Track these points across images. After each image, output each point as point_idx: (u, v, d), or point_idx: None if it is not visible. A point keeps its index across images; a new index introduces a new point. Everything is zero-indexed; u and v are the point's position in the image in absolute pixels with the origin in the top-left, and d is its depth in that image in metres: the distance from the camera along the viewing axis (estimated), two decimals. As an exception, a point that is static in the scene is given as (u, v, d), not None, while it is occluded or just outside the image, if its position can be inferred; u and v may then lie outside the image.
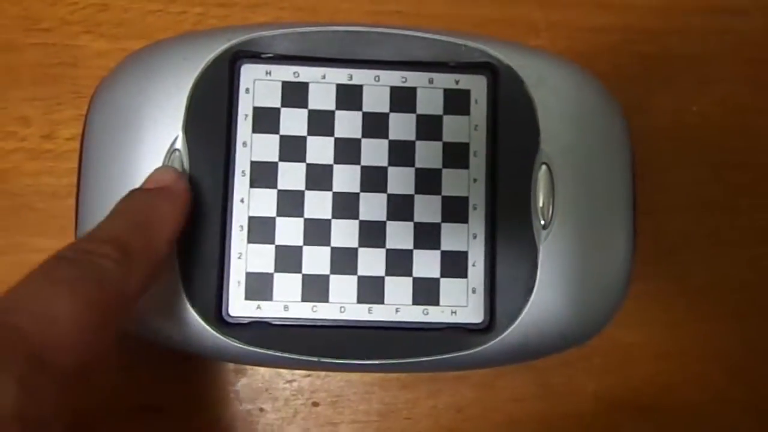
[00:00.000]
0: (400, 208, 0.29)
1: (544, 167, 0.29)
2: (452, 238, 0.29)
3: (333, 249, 0.29)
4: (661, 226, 0.35)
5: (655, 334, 0.34)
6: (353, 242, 0.29)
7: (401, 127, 0.30)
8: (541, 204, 0.29)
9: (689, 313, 0.34)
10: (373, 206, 0.29)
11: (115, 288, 0.23)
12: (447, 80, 0.30)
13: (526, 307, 0.28)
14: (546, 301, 0.29)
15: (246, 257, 0.29)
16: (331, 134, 0.29)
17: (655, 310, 0.34)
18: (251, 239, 0.29)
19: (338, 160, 0.29)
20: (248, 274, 0.29)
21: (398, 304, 0.29)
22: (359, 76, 0.30)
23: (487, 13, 0.35)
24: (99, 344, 0.22)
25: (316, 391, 0.33)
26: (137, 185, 0.27)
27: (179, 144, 0.28)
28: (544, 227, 0.29)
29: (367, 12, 0.35)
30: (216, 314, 0.28)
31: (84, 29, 0.34)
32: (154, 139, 0.28)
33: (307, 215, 0.29)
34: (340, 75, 0.30)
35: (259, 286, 0.29)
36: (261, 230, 0.29)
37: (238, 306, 0.29)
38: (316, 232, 0.29)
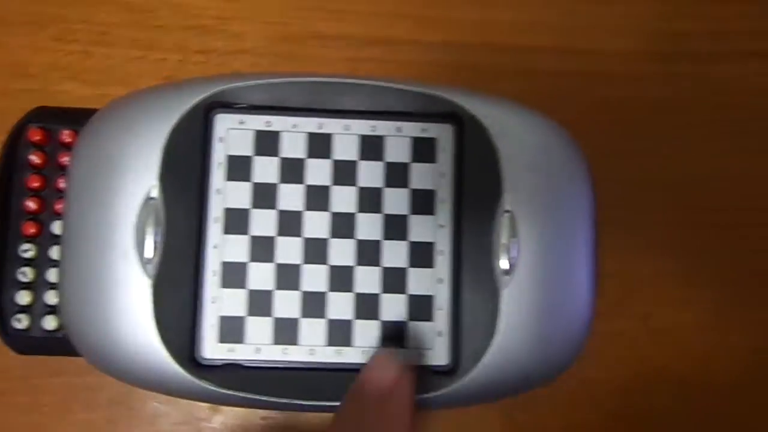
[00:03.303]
0: (369, 254, 0.30)
1: (507, 214, 0.30)
2: (419, 282, 0.30)
3: (303, 293, 0.30)
4: (626, 266, 0.36)
5: (620, 371, 0.35)
6: (323, 287, 0.30)
7: (370, 174, 0.31)
8: (503, 250, 0.30)
9: (654, 352, 0.35)
10: (342, 252, 0.30)
11: None
12: (414, 129, 0.31)
13: (488, 349, 0.29)
14: (509, 343, 0.29)
15: (219, 301, 0.30)
16: (302, 182, 0.30)
17: (619, 348, 0.35)
18: (224, 284, 0.30)
19: (309, 206, 0.30)
20: (221, 318, 0.30)
21: (367, 347, 0.30)
22: (330, 125, 0.31)
23: (459, 60, 0.36)
24: None
25: (290, 428, 0.34)
26: (117, 233, 0.29)
27: (155, 193, 0.29)
28: (507, 273, 0.30)
29: (344, 59, 0.36)
30: (189, 356, 0.29)
31: (69, 75, 0.36)
32: (131, 188, 0.29)
33: (278, 260, 0.30)
34: (311, 124, 0.31)
35: (231, 329, 0.30)
36: (234, 275, 0.30)
37: (212, 348, 0.30)
38: (287, 277, 0.30)
